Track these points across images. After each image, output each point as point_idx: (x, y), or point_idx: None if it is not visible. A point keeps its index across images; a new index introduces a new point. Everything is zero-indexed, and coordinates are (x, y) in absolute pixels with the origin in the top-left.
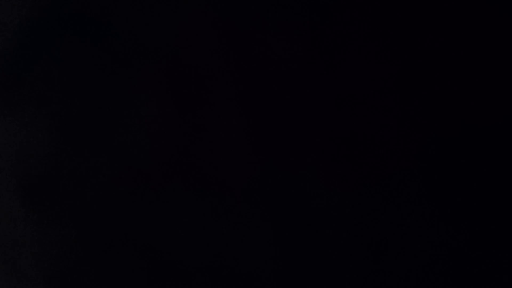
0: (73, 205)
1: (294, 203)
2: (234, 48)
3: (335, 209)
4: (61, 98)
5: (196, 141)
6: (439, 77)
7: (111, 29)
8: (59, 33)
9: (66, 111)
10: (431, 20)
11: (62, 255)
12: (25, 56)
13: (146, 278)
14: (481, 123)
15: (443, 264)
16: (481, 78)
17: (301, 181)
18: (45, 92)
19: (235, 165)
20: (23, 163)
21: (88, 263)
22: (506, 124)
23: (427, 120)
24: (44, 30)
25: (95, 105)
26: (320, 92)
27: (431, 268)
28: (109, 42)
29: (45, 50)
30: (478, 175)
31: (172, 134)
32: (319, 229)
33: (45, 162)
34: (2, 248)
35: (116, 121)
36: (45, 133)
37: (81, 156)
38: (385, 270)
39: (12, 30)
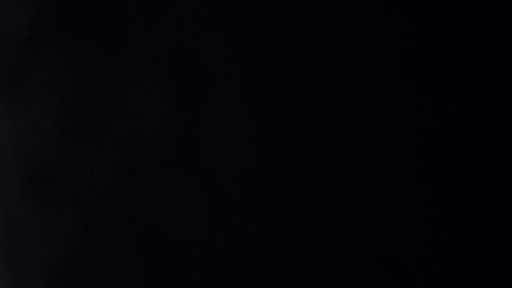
0: (77, 197)
1: (295, 196)
2: (237, 42)
3: (336, 206)
4: (66, 91)
5: (199, 133)
6: (440, 77)
7: (115, 24)
8: (63, 27)
9: (71, 103)
10: (432, 20)
11: (66, 247)
12: (29, 50)
13: (150, 268)
14: (481, 123)
15: (445, 263)
16: (481, 78)
17: (301, 175)
18: (49, 84)
19: (236, 156)
20: (27, 156)
21: (92, 255)
22: (506, 124)
23: (429, 120)
24: (48, 25)
25: (99, 98)
26: (322, 89)
27: (434, 268)
28: (113, 38)
29: (49, 44)
30: (480, 175)
31: (175, 126)
32: (319, 223)
33: (50, 154)
34: (6, 240)
35: (120, 113)
36: (49, 126)
37: (85, 148)
38: (387, 269)
39: (15, 23)
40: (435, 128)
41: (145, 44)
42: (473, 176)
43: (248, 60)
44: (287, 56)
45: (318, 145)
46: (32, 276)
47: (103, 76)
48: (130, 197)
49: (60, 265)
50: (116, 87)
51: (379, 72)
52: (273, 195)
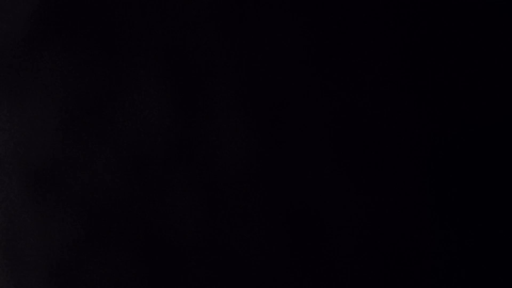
0: (77, 196)
1: (294, 196)
2: (236, 42)
3: (338, 207)
4: (66, 90)
5: (199, 133)
6: (440, 77)
7: (115, 24)
8: (64, 28)
9: (71, 103)
10: (432, 20)
11: (65, 246)
12: (29, 49)
13: (149, 268)
14: (481, 123)
15: (445, 263)
16: (481, 78)
17: (300, 174)
18: (49, 84)
19: (236, 156)
20: (27, 155)
21: (91, 254)
22: (506, 124)
23: (429, 120)
24: (49, 25)
25: (99, 97)
26: (322, 88)
27: (434, 268)
28: (113, 37)
29: (49, 44)
30: (480, 175)
31: (175, 126)
32: (318, 223)
33: (49, 154)
34: (5, 239)
35: (119, 113)
36: (49, 125)
37: (84, 148)
38: (387, 270)
39: (15, 23)
40: (435, 128)
41: (144, 43)
42: (473, 176)
43: (247, 59)
44: (286, 54)
45: (317, 144)
46: (31, 275)
47: (103, 76)
48: (130, 196)
49: (59, 265)
50: (115, 86)
51: (379, 71)
52: (272, 194)
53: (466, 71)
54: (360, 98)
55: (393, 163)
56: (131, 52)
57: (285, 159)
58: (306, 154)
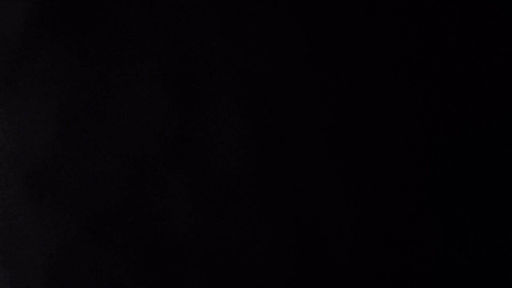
0: (75, 196)
1: (292, 195)
2: (235, 42)
3: (334, 206)
4: (64, 90)
5: (196, 132)
6: (440, 77)
7: (113, 24)
8: (61, 28)
9: (68, 103)
10: (432, 20)
11: (63, 246)
12: (27, 49)
13: (147, 267)
14: (481, 123)
15: (444, 263)
16: (481, 78)
17: (298, 173)
18: (47, 84)
19: (233, 155)
20: (25, 155)
21: (89, 254)
22: (506, 124)
23: (429, 120)
24: (46, 25)
25: (96, 98)
26: (320, 88)
27: (433, 268)
28: (110, 37)
29: (47, 45)
30: (480, 174)
31: (173, 125)
32: (317, 222)
33: (47, 154)
34: (3, 239)
35: (117, 112)
36: (47, 125)
37: (82, 147)
38: (385, 269)
39: (12, 23)
40: (435, 128)
41: (142, 43)
42: (473, 176)
43: (245, 59)
44: (284, 55)
45: (316, 144)
46: (29, 275)
47: (101, 75)
48: (127, 196)
49: (57, 264)
50: (113, 86)
51: (379, 71)
52: (270, 194)
53: (466, 72)
54: (359, 98)
55: (392, 163)
56: (129, 52)
57: (283, 159)
58: (304, 153)
